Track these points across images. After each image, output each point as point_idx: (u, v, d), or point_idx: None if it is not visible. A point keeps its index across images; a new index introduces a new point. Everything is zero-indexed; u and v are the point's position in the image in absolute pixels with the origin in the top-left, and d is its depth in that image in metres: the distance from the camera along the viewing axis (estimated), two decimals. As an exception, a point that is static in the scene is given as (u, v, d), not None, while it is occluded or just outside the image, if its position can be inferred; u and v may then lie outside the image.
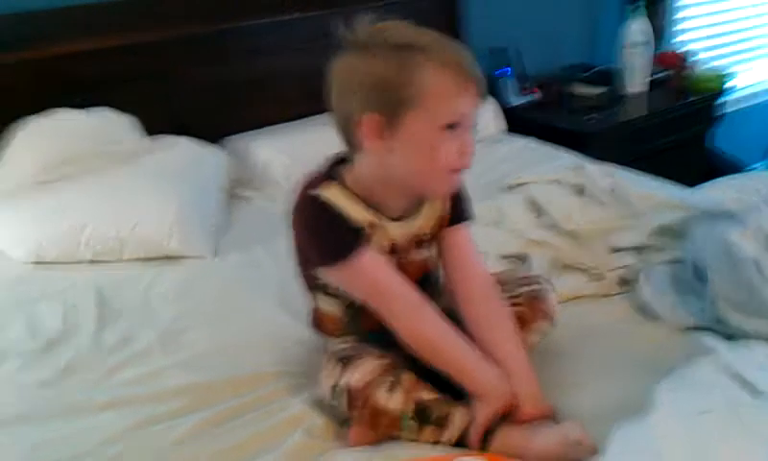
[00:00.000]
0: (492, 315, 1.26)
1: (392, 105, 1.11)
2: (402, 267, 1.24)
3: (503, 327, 1.25)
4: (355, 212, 1.18)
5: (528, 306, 1.31)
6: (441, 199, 1.28)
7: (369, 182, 1.19)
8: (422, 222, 1.27)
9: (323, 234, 1.18)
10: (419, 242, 1.27)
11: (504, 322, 1.26)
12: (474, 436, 1.13)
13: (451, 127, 1.12)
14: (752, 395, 1.01)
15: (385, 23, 1.15)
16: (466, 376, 1.18)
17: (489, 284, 1.30)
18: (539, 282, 1.36)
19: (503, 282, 1.34)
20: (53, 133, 2.03)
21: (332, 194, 1.18)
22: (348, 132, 1.17)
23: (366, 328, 1.27)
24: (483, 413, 1.14)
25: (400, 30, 1.14)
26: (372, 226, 1.20)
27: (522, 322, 1.29)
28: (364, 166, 1.19)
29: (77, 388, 1.37)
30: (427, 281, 1.31)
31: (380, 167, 1.17)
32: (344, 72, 1.15)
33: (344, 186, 1.19)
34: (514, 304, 1.30)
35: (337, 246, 1.17)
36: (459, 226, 1.31)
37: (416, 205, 1.26)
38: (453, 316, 1.26)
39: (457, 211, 1.31)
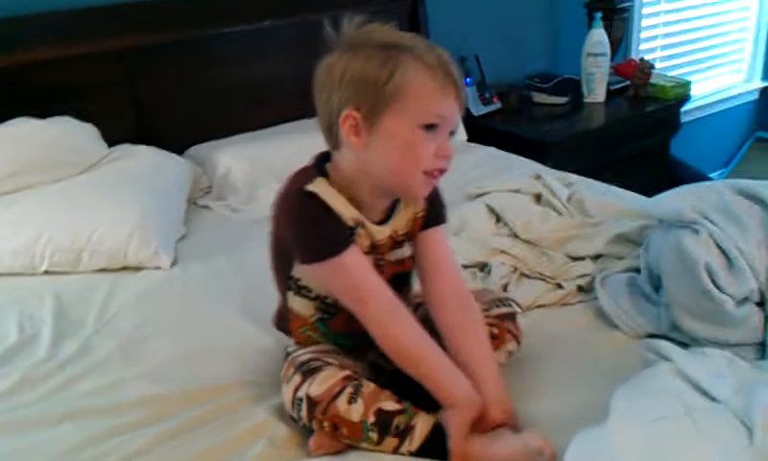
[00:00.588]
0: (465, 319, 1.27)
1: (372, 100, 1.12)
2: (378, 267, 1.25)
3: (474, 331, 1.26)
4: (343, 209, 1.18)
5: (498, 326, 1.32)
6: (416, 201, 1.28)
7: (349, 182, 1.19)
8: (397, 223, 1.27)
9: (312, 229, 1.17)
10: (394, 243, 1.28)
11: (476, 327, 1.27)
12: (454, 447, 1.13)
13: (430, 128, 1.13)
14: (706, 401, 1.03)
15: (372, 25, 1.17)
16: (437, 383, 1.18)
17: (462, 288, 1.31)
18: (509, 304, 1.38)
19: (476, 300, 1.35)
20: (10, 141, 2.00)
21: (321, 189, 1.17)
22: (330, 129, 1.18)
23: (334, 332, 1.27)
24: (455, 422, 1.14)
25: (386, 31, 1.16)
26: (356, 223, 1.20)
27: (493, 340, 1.30)
28: (344, 165, 1.19)
29: (33, 400, 1.35)
30: (401, 281, 1.32)
31: (359, 165, 1.17)
32: (328, 69, 1.16)
33: (331, 183, 1.19)
34: (486, 323, 1.31)
35: (326, 241, 1.16)
36: (435, 229, 1.31)
37: (391, 206, 1.26)
38: (426, 320, 1.27)
39: (433, 214, 1.31)
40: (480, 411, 1.16)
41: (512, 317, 1.36)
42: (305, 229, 1.17)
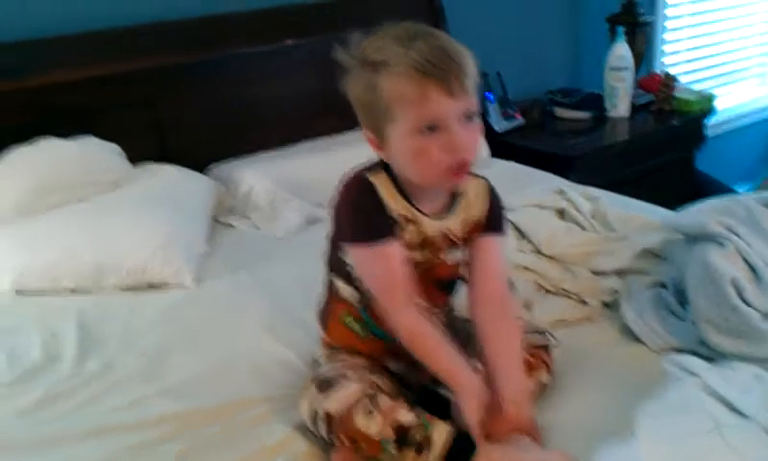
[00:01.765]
0: (501, 321, 1.28)
1: (374, 122, 1.18)
2: (435, 266, 1.28)
3: (508, 335, 1.27)
4: (394, 203, 1.22)
5: (531, 354, 1.32)
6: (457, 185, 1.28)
7: (401, 179, 1.24)
8: (454, 222, 1.28)
9: (361, 213, 1.22)
10: (451, 243, 1.29)
11: (509, 331, 1.28)
12: (475, 434, 1.13)
13: (431, 129, 1.14)
14: (734, 416, 1.01)
15: (372, 36, 1.19)
16: (446, 371, 1.20)
17: (506, 297, 1.33)
18: (543, 334, 1.38)
19: None
20: (36, 162, 2.02)
21: (379, 181, 1.22)
22: None
23: (375, 321, 1.29)
24: (467, 407, 1.15)
25: (378, 43, 1.17)
26: (406, 219, 1.23)
27: (525, 368, 1.29)
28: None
29: (57, 417, 1.35)
30: (451, 286, 1.35)
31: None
32: (346, 90, 1.21)
33: (390, 178, 1.23)
34: None
35: (370, 227, 1.21)
36: (494, 237, 1.33)
37: (450, 203, 1.28)
38: (451, 327, 1.30)
39: (492, 221, 1.32)
40: (488, 400, 1.17)
41: (545, 348, 1.36)
42: (356, 211, 1.23)
